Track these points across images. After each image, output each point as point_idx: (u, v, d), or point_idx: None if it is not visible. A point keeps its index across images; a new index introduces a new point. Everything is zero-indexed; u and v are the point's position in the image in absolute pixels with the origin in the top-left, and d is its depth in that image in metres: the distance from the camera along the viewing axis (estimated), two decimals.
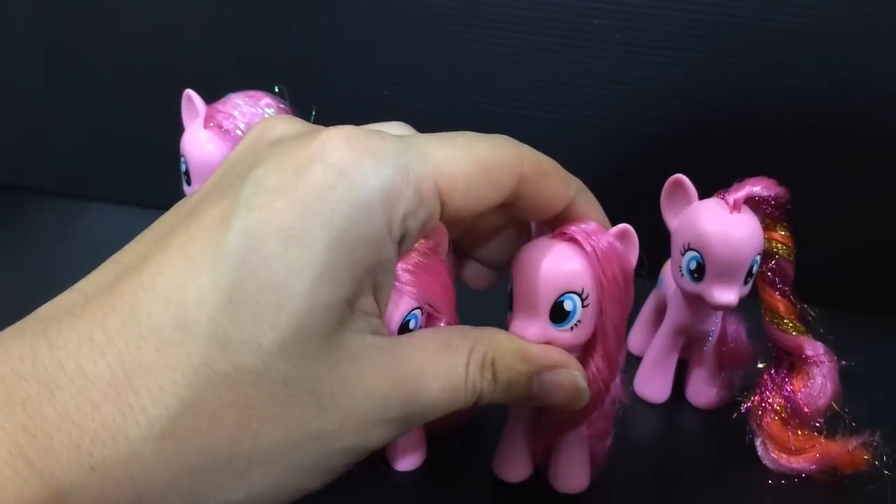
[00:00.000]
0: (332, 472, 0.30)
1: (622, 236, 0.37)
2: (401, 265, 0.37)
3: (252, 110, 0.49)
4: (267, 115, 0.50)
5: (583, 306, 0.36)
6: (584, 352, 0.38)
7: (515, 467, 0.42)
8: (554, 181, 0.35)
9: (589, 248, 0.36)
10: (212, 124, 0.49)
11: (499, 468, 0.43)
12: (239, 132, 0.48)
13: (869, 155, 0.59)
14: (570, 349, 0.37)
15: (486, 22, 0.60)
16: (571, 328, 0.36)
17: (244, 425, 0.27)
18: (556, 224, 0.37)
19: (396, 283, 0.37)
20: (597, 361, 0.37)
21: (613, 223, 0.50)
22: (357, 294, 0.29)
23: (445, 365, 0.32)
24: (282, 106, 0.51)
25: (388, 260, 0.30)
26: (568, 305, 0.36)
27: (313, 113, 0.52)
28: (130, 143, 0.67)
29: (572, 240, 0.36)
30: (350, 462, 0.31)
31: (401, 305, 0.38)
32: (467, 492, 0.42)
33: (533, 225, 0.40)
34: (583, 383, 0.36)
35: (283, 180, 0.28)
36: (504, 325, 0.38)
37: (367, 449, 0.30)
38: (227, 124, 0.49)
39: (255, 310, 0.27)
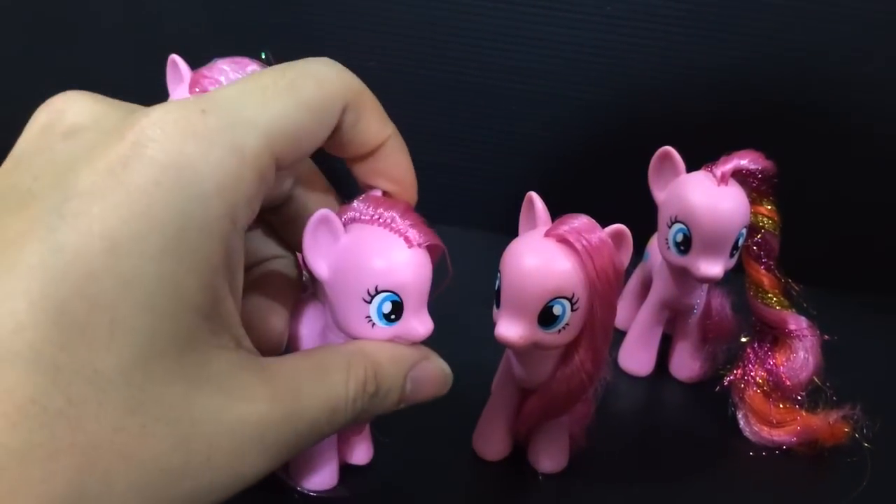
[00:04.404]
0: None
1: (616, 236, 0.36)
2: None
3: (238, 76, 0.48)
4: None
5: (572, 310, 0.35)
6: (569, 345, 0.37)
7: (495, 445, 0.43)
8: (375, 115, 0.32)
9: (580, 247, 0.35)
10: (197, 90, 0.48)
11: (478, 446, 0.43)
12: None
13: (856, 130, 0.59)
14: (556, 347, 0.37)
15: None
16: (559, 331, 0.36)
17: (88, 468, 0.23)
18: (365, 172, 0.34)
19: None
20: (581, 355, 0.37)
21: (600, 195, 0.50)
22: (208, 301, 0.26)
23: (323, 386, 0.30)
24: None
25: (235, 253, 0.27)
26: (557, 310, 0.35)
27: None
28: None
29: (563, 240, 0.35)
30: (221, 500, 0.27)
31: None
32: (447, 469, 0.42)
33: (537, 201, 0.38)
34: (447, 368, 0.35)
35: (97, 181, 0.24)
36: (484, 315, 0.38)
37: (240, 485, 0.27)
38: (212, 90, 0.48)
39: (86, 332, 0.23)
